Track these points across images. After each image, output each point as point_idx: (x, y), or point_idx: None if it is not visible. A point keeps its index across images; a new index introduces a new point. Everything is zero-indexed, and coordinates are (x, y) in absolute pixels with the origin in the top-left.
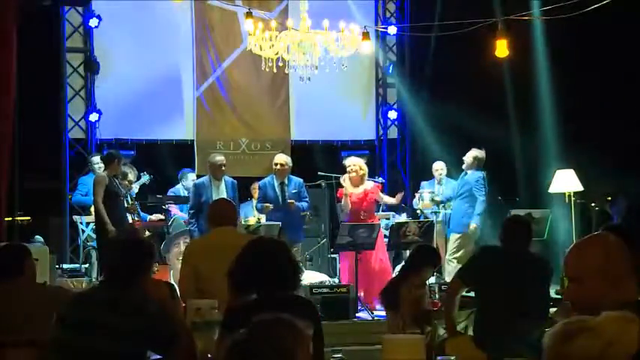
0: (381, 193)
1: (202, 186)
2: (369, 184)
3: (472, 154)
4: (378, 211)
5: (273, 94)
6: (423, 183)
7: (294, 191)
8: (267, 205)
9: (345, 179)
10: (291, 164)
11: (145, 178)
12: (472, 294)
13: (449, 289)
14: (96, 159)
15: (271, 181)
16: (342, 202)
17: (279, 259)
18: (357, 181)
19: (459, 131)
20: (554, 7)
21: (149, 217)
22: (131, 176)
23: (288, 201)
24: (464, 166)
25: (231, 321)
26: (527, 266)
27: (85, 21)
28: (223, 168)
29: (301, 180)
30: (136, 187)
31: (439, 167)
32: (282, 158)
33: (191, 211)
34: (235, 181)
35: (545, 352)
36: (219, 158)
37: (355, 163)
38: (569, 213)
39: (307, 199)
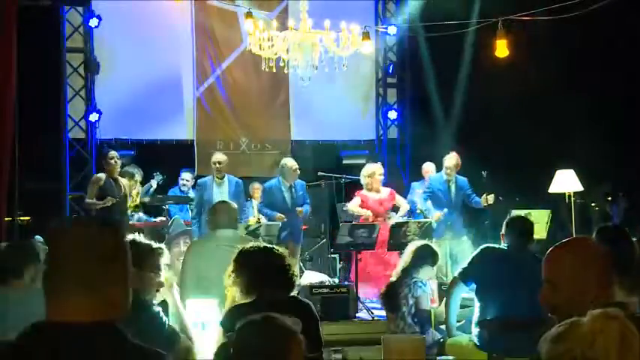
0: (397, 197)
1: (204, 185)
2: (385, 192)
3: (456, 159)
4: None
5: (273, 94)
6: (414, 184)
7: (300, 193)
8: (281, 215)
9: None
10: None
11: (158, 178)
12: (472, 294)
13: (449, 288)
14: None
15: (278, 185)
16: (351, 208)
17: (277, 261)
18: (376, 188)
19: (459, 131)
20: (555, 7)
21: (152, 219)
22: (137, 177)
23: (297, 209)
24: (454, 172)
25: (231, 321)
26: (527, 266)
27: (85, 21)
28: (217, 165)
29: (304, 182)
30: (153, 185)
31: (430, 169)
32: (294, 161)
33: (194, 211)
34: (240, 181)
35: (541, 354)
36: (215, 157)
37: (377, 171)
38: (569, 213)
39: (308, 202)
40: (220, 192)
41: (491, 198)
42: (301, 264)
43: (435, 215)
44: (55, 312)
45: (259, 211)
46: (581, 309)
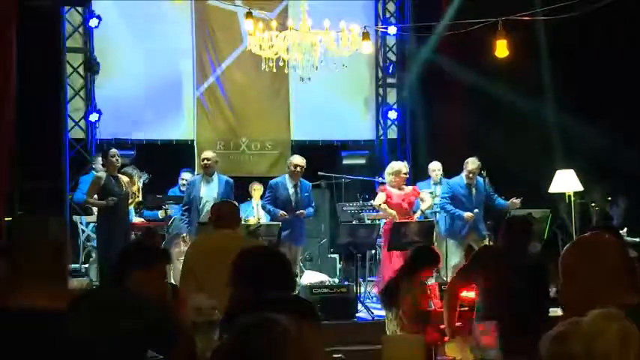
0: (423, 194)
1: (193, 183)
2: (408, 188)
3: (479, 163)
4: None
5: (273, 94)
6: (418, 184)
7: (305, 194)
8: (284, 213)
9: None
10: (305, 166)
11: (144, 177)
12: (472, 294)
13: (448, 289)
14: (100, 159)
15: (284, 182)
16: (378, 205)
17: (278, 261)
18: (399, 186)
19: (459, 131)
20: (555, 7)
21: (159, 212)
22: (136, 178)
23: (298, 212)
24: (475, 175)
25: (231, 321)
26: (527, 266)
27: (85, 21)
28: (205, 162)
29: (310, 184)
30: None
31: (437, 168)
32: (300, 160)
33: (183, 208)
34: (231, 180)
35: (541, 354)
36: (203, 154)
37: (403, 169)
38: (569, 213)
39: (313, 204)
40: (209, 190)
41: (518, 201)
42: (301, 264)
43: (467, 215)
44: (16, 299)
45: (262, 208)
46: (596, 305)
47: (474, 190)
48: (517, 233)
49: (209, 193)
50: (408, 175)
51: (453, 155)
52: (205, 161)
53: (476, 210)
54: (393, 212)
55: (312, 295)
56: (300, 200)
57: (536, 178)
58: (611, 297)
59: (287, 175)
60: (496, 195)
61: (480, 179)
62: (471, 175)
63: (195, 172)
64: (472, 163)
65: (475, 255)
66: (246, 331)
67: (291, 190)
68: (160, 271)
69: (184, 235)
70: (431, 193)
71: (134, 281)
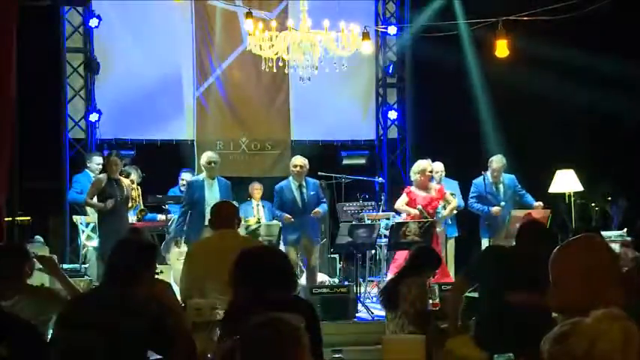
0: (447, 196)
1: (196, 184)
2: (433, 190)
3: (503, 161)
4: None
5: (273, 94)
6: None
7: (312, 193)
8: (288, 216)
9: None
10: (308, 166)
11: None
12: (474, 294)
13: (454, 285)
14: (97, 159)
15: (288, 185)
16: (399, 207)
17: (278, 261)
18: (425, 185)
19: (459, 131)
20: (555, 7)
21: (158, 216)
22: (134, 176)
23: (314, 212)
24: (500, 172)
25: (231, 322)
26: (531, 267)
27: (85, 21)
28: (212, 165)
29: (317, 181)
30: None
31: (439, 169)
32: (300, 160)
33: (182, 209)
34: (229, 182)
35: (543, 354)
36: (211, 156)
37: (428, 167)
38: (569, 213)
39: (325, 200)
40: (213, 193)
41: (541, 205)
42: (300, 264)
43: (494, 210)
44: None
45: (272, 215)
46: (591, 307)
47: (501, 187)
48: (527, 235)
49: (213, 195)
50: (432, 174)
51: (454, 155)
52: (212, 164)
53: (503, 203)
54: (415, 211)
55: (312, 295)
56: (307, 200)
57: (536, 178)
58: (606, 298)
59: (291, 177)
60: (524, 191)
61: (509, 176)
62: (495, 173)
63: (195, 173)
64: (497, 161)
65: (480, 254)
66: (257, 330)
67: (296, 192)
68: (155, 267)
69: (178, 239)
70: (452, 194)
71: (144, 284)
